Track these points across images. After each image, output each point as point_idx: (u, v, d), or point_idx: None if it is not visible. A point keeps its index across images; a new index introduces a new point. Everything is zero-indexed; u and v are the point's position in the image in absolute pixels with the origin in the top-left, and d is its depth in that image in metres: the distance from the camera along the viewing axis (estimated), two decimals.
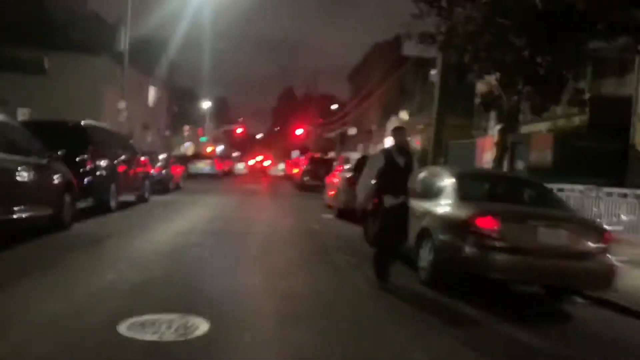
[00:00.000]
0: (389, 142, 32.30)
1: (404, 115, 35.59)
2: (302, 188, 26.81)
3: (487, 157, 15.59)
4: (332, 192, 15.15)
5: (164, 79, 47.22)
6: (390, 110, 37.76)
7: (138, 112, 39.00)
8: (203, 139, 69.70)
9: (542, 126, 19.44)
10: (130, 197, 14.28)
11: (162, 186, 18.80)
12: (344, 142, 59.52)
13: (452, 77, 14.86)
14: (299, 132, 64.73)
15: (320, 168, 26.21)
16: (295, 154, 77.61)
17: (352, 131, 43.36)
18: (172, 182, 20.02)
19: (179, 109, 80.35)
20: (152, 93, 42.38)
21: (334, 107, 62.40)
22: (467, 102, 25.83)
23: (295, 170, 32.46)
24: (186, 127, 79.09)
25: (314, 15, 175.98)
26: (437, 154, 15.33)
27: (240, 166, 56.71)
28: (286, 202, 19.44)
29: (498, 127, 14.80)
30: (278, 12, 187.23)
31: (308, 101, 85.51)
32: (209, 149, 66.74)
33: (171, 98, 56.63)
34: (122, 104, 22.36)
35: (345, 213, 13.14)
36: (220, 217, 12.89)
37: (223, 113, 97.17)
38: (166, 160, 19.28)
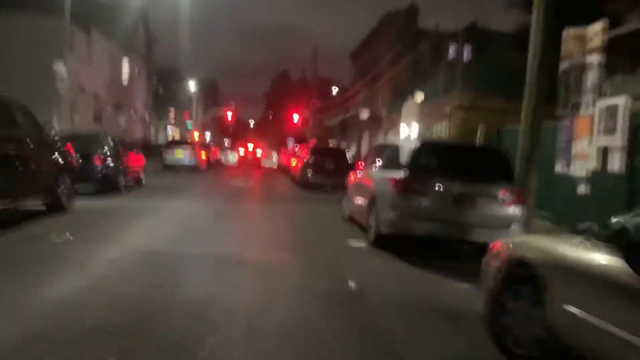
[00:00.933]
0: (404, 130, 26.42)
1: (418, 96, 30.02)
2: (304, 185, 21.29)
3: (582, 146, 9.97)
4: (361, 201, 9.61)
5: (143, 53, 41.27)
6: (404, 93, 32.14)
7: (109, 90, 33.13)
8: (189, 124, 63.86)
9: None
10: (34, 203, 8.74)
11: (109, 184, 13.21)
12: (346, 129, 53.89)
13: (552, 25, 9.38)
14: (296, 118, 58.93)
15: (328, 160, 20.70)
16: (291, 142, 72.27)
17: (364, 114, 37.72)
18: (125, 178, 14.39)
19: (164, 91, 74.90)
20: (126, 68, 36.46)
21: (335, 90, 56.66)
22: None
23: (294, 162, 26.84)
24: (172, 111, 73.76)
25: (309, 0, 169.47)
26: (534, 140, 9.73)
27: (231, 156, 50.90)
28: (286, 211, 13.80)
29: (613, 100, 9.31)
30: None
31: (305, 85, 79.85)
32: (195, 135, 61.06)
33: (153, 77, 50.55)
34: (59, 67, 16.43)
35: (391, 240, 7.81)
36: (166, 252, 7.19)
37: (213, 96, 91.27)
38: (113, 148, 13.61)
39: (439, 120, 25.64)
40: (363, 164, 10.98)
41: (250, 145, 39.65)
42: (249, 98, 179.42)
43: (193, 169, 26.99)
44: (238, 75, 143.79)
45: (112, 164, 13.21)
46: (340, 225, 10.91)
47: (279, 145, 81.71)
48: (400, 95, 32.92)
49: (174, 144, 29.93)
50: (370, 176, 9.61)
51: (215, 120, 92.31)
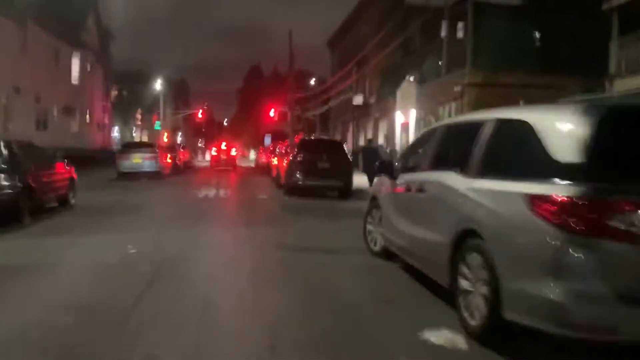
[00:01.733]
0: (399, 117, 22.05)
1: (410, 80, 26.21)
2: (292, 191, 16.98)
3: None
4: (429, 234, 5.30)
5: (97, 50, 36.54)
6: (397, 76, 28.18)
7: (55, 91, 28.49)
8: (157, 125, 59.12)
9: None
10: None
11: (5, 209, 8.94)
12: (328, 121, 49.89)
13: None
14: (272, 113, 54.63)
15: (321, 157, 16.61)
16: (268, 139, 67.96)
17: (358, 100, 33.61)
18: (38, 200, 10.08)
19: (129, 92, 69.88)
20: (76, 66, 31.78)
21: (312, 82, 52.49)
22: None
23: (275, 161, 22.71)
24: (138, 114, 68.78)
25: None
26: None
27: (201, 157, 46.18)
28: (272, 239, 8.91)
29: None
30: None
31: (278, 80, 75.68)
32: (164, 137, 56.19)
33: (111, 77, 45.68)
34: None
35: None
36: None
37: (183, 97, 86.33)
38: (9, 159, 9.23)
39: (445, 102, 21.75)
40: (414, 161, 6.40)
41: (223, 144, 35.19)
42: (222, 98, 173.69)
43: (154, 175, 22.61)
44: (208, 75, 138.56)
45: (5, 183, 8.88)
46: (381, 278, 6.33)
47: (256, 143, 77.48)
48: (392, 79, 28.97)
49: (130, 147, 24.66)
50: (449, 188, 4.89)
51: (186, 120, 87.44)
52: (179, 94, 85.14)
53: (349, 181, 16.72)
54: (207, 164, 40.01)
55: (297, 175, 16.48)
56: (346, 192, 16.64)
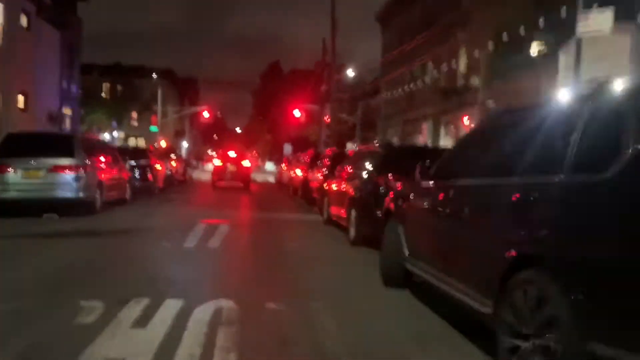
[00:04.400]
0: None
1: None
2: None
3: None
4: None
5: (51, 11, 24.78)
6: (519, 42, 16.18)
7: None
8: (153, 128, 47.49)
9: None
10: None
11: None
12: (370, 123, 37.85)
13: None
14: (297, 114, 42.67)
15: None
16: (288, 148, 55.92)
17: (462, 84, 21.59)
18: None
19: (125, 88, 58.54)
20: None
21: (350, 74, 40.22)
22: None
23: (326, 186, 10.67)
24: (134, 113, 57.48)
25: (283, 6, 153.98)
26: None
27: (210, 166, 34.07)
28: None
29: None
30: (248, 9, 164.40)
31: (303, 75, 63.66)
32: (162, 144, 44.22)
33: (79, 51, 33.95)
34: None
35: None
36: None
37: (190, 97, 74.52)
38: None
39: None
40: None
41: (232, 152, 22.62)
42: (236, 108, 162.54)
43: (85, 207, 10.51)
44: (223, 83, 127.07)
45: None
46: None
47: (274, 152, 65.40)
48: (517, 45, 16.88)
49: (22, 143, 12.23)
50: None
51: (193, 124, 75.86)
52: (186, 93, 73.66)
53: None
54: (209, 175, 27.94)
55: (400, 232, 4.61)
56: None
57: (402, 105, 28.95)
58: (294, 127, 59.52)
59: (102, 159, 11.56)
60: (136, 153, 16.37)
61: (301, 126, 55.74)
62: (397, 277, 5.38)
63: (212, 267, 6.57)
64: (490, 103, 17.91)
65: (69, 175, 10.08)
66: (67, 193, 10.11)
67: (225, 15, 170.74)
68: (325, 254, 7.85)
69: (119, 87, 58.43)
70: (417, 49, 24.89)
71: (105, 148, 13.03)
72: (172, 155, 23.93)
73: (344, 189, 9.43)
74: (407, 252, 5.10)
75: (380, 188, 7.61)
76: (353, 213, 8.38)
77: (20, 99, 22.01)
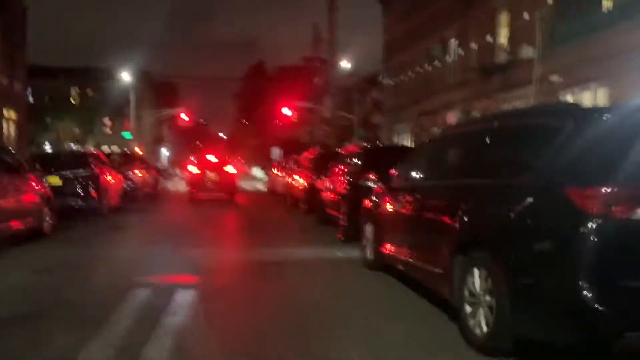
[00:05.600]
0: None
1: None
2: None
3: None
4: None
5: None
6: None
7: None
8: (126, 134, 42.63)
9: None
10: None
11: None
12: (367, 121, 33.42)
13: None
14: (287, 112, 38.04)
15: None
16: (276, 152, 51.21)
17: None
18: None
19: (96, 93, 53.44)
20: None
21: (345, 65, 35.60)
22: None
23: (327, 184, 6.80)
24: (107, 120, 52.61)
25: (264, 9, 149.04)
26: None
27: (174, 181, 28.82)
28: None
29: None
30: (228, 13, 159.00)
31: (290, 74, 59.30)
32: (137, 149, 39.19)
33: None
34: None
35: None
36: None
37: (170, 102, 69.31)
38: None
39: None
40: None
41: (212, 157, 17.73)
42: (220, 115, 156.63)
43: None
44: (206, 89, 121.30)
45: None
46: None
47: (261, 158, 60.32)
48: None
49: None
50: None
51: (172, 130, 70.75)
52: (165, 99, 68.47)
53: None
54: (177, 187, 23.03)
55: None
56: None
57: (414, 94, 24.29)
58: (282, 129, 54.80)
59: None
60: (72, 160, 11.54)
61: (290, 127, 50.99)
62: None
63: None
64: (556, 78, 13.35)
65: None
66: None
67: (205, 20, 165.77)
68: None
69: (90, 92, 53.60)
70: (432, 22, 20.40)
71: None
72: (139, 164, 19.15)
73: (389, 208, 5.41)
74: None
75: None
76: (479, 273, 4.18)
77: None
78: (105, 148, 51.29)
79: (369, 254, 6.33)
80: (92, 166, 11.61)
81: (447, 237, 4.19)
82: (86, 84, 53.02)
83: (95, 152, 16.63)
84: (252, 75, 69.91)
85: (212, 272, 6.27)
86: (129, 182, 16.41)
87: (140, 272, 5.85)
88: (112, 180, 12.95)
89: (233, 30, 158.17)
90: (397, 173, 5.83)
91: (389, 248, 5.70)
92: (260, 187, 28.78)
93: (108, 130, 53.76)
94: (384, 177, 6.32)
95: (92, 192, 11.11)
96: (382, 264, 6.04)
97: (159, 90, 67.65)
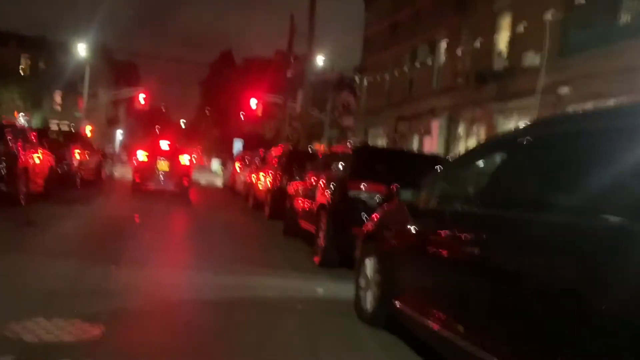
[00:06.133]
0: None
1: None
2: None
3: None
4: None
5: None
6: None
7: None
8: (78, 114, 39.54)
9: None
10: None
11: None
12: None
13: None
14: (253, 104, 35.79)
15: None
16: (238, 144, 49.01)
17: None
18: None
19: (46, 66, 49.75)
20: None
21: (321, 61, 33.63)
22: None
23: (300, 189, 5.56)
24: (58, 95, 49.13)
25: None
26: None
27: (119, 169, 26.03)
28: None
29: None
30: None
31: (259, 65, 57.13)
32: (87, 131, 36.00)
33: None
34: None
35: None
36: None
37: (130, 84, 65.71)
38: None
39: None
40: None
41: (164, 144, 15.37)
42: (183, 103, 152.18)
43: None
44: (168, 75, 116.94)
45: None
46: None
47: (222, 149, 57.46)
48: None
49: None
50: None
51: (129, 113, 67.12)
52: (125, 79, 64.88)
53: None
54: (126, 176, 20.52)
55: None
56: None
57: (393, 96, 22.51)
58: (246, 122, 52.31)
59: None
60: None
61: (255, 120, 48.64)
62: None
63: None
64: (566, 91, 11.74)
65: None
66: None
67: (178, 3, 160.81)
68: None
69: (41, 64, 49.81)
70: (420, 21, 18.70)
71: None
72: (81, 145, 16.66)
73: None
74: None
75: None
76: None
77: None
78: (54, 126, 47.88)
79: (370, 303, 4.36)
80: (8, 141, 9.27)
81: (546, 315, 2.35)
82: (39, 55, 49.24)
83: (19, 125, 14.08)
84: (220, 63, 67.14)
85: (125, 318, 4.09)
86: (64, 164, 14.05)
87: (14, 310, 3.71)
88: (37, 161, 10.61)
89: (206, 19, 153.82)
90: (426, 190, 3.96)
91: (409, 304, 3.77)
92: (218, 182, 26.51)
93: (57, 107, 50.09)
94: (395, 191, 4.76)
95: (3, 172, 8.79)
96: (388, 320, 4.12)
97: (118, 69, 64.14)
